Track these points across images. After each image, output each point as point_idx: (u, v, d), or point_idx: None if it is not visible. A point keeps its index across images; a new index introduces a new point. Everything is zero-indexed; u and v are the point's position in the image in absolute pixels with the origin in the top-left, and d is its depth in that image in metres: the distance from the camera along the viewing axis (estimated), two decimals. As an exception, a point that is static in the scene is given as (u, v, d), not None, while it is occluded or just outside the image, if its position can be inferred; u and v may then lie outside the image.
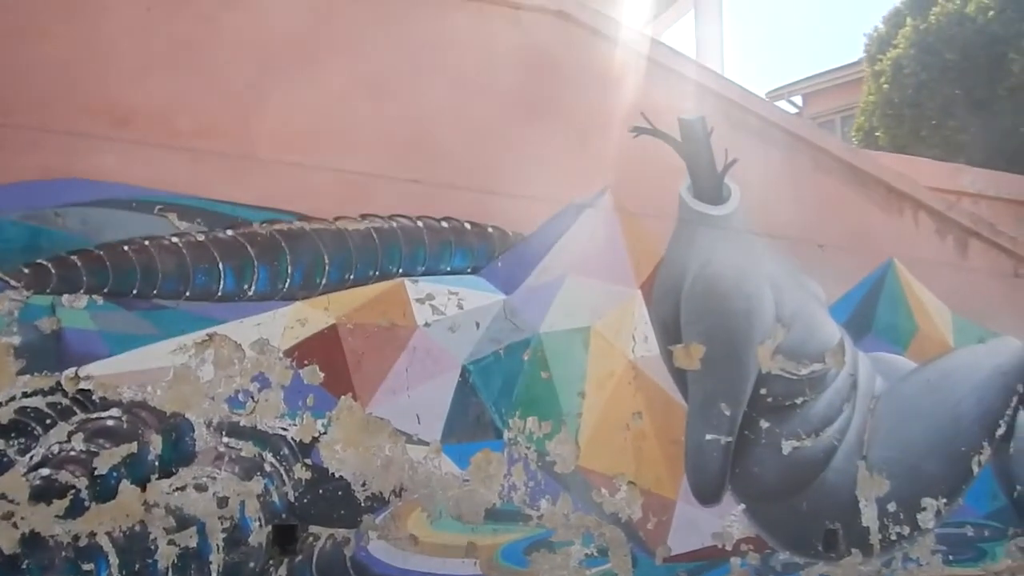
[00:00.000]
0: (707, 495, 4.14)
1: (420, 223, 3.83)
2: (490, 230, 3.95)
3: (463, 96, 4.00)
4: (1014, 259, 5.19)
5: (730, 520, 4.19)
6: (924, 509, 4.64)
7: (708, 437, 4.15)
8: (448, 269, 3.87)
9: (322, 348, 3.59)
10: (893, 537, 4.54)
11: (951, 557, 4.74)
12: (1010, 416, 4.96)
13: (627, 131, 4.36)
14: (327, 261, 3.63)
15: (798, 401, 4.37)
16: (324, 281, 3.62)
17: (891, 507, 4.54)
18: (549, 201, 4.14)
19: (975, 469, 4.80)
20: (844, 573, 4.42)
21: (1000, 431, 4.91)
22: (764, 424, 4.28)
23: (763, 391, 4.29)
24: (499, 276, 3.95)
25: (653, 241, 4.30)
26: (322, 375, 3.57)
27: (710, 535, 4.15)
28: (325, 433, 3.55)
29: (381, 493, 3.62)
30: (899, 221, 4.91)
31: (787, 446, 4.32)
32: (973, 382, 4.87)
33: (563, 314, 4.03)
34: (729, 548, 4.18)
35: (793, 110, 17.92)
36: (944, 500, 4.70)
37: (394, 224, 3.78)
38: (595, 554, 3.93)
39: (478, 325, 3.86)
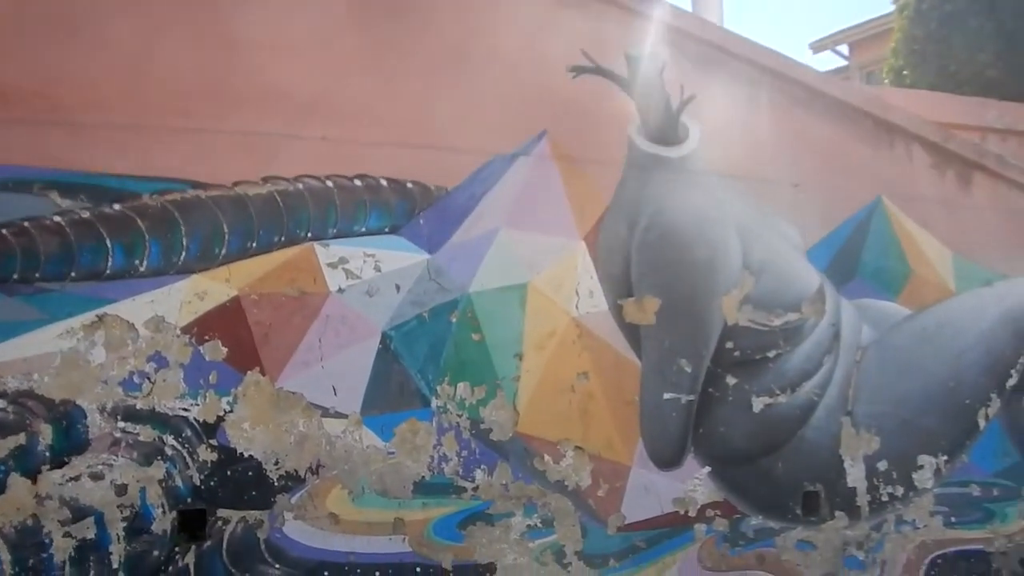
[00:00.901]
0: (666, 459, 3.66)
1: (330, 183, 3.44)
2: (409, 186, 3.52)
3: (374, 43, 3.54)
4: None
5: (693, 484, 3.70)
6: (921, 467, 4.03)
7: (666, 396, 3.65)
8: (363, 230, 3.47)
9: (224, 322, 3.26)
10: (884, 498, 3.96)
11: (953, 519, 4.11)
12: (1023, 364, 4.23)
13: (566, 71, 3.77)
14: (226, 230, 3.28)
15: (770, 354, 3.81)
16: (224, 251, 3.29)
17: (882, 466, 3.96)
18: (477, 151, 3.69)
19: (981, 423, 4.15)
20: (827, 538, 3.86)
21: (1012, 381, 4.23)
22: (731, 380, 3.75)
23: (729, 345, 3.76)
24: (421, 234, 3.52)
25: (598, 188, 3.80)
26: (225, 350, 3.23)
27: (671, 501, 3.66)
28: (231, 411, 3.21)
29: (296, 471, 3.27)
30: (889, 156, 4.26)
31: (758, 403, 3.77)
32: (979, 329, 4.20)
33: (495, 271, 3.58)
34: (693, 514, 3.70)
35: (840, 61, 16.86)
36: (945, 457, 4.07)
37: (300, 186, 3.40)
38: (539, 525, 3.50)
39: (398, 288, 3.45)
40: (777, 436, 3.82)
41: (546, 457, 3.56)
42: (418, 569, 3.37)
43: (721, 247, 3.85)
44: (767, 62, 4.11)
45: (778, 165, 4.09)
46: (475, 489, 3.47)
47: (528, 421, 3.58)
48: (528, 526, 3.52)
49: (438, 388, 3.48)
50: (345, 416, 3.37)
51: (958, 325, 4.17)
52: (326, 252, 3.44)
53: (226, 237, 3.30)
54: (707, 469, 3.75)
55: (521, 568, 3.46)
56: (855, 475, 3.92)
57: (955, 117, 5.08)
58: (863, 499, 3.94)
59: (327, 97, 3.51)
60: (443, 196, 3.60)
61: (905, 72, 9.61)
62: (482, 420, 3.51)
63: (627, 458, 3.65)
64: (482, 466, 3.49)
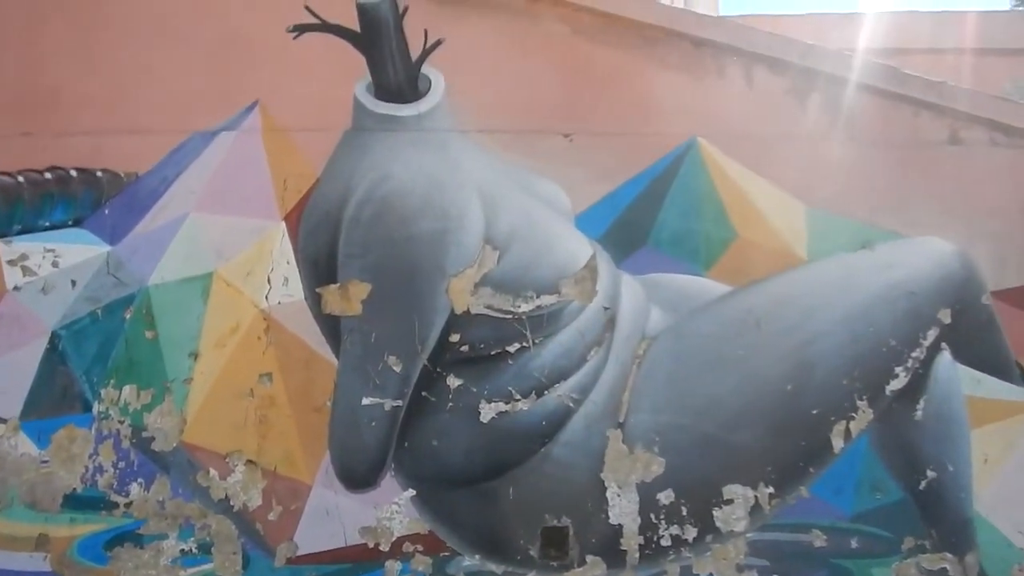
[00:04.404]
0: (358, 478, 3.69)
1: (21, 178, 3.94)
2: (99, 174, 3.98)
3: (77, 29, 4.03)
4: (948, 118, 3.73)
5: (391, 512, 3.58)
6: (728, 502, 3.45)
7: (366, 402, 3.66)
8: (47, 224, 3.88)
9: None
10: (665, 542, 3.55)
11: (777, 578, 3.45)
12: (919, 360, 3.56)
13: (285, 32, 3.97)
14: (-89, 229, 3.91)
15: (510, 349, 3.65)
16: (-94, 251, 3.90)
17: (665, 497, 3.52)
18: (175, 131, 4.01)
19: (837, 443, 3.50)
20: (571, 591, 3.45)
21: (895, 383, 3.55)
22: (454, 382, 3.66)
23: (455, 337, 3.68)
24: (106, 225, 3.87)
25: (310, 161, 3.98)
26: None
27: (357, 531, 3.50)
28: None
29: (-53, 478, 3.72)
30: (718, 86, 3.95)
31: (488, 411, 3.63)
32: (844, 309, 3.66)
33: (179, 261, 3.95)
34: (385, 548, 3.59)
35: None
36: (769, 489, 3.50)
37: (-8, 183, 3.94)
38: (194, 551, 3.62)
39: (74, 283, 3.86)
40: (510, 453, 3.66)
41: (211, 471, 3.65)
42: (55, 592, 3.60)
43: (455, 218, 3.78)
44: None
45: (552, 113, 3.89)
46: (128, 505, 3.65)
47: (197, 430, 3.78)
48: (182, 551, 3.63)
49: (102, 391, 3.75)
50: (4, 421, 3.69)
51: (806, 304, 3.64)
52: (8, 249, 3.97)
53: (-90, 237, 3.90)
54: (410, 492, 3.53)
55: (168, 599, 3.54)
56: (622, 508, 3.56)
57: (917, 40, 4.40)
58: (631, 541, 3.49)
59: (26, 89, 3.98)
60: (132, 182, 3.87)
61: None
62: (145, 427, 3.70)
63: (308, 475, 3.65)
64: (139, 479, 3.68)
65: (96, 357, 3.93)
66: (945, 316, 3.71)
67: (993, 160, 3.88)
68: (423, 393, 3.78)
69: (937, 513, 3.65)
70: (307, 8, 4.16)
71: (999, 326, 3.71)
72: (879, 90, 3.98)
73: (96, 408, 3.89)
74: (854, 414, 3.65)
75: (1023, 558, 3.61)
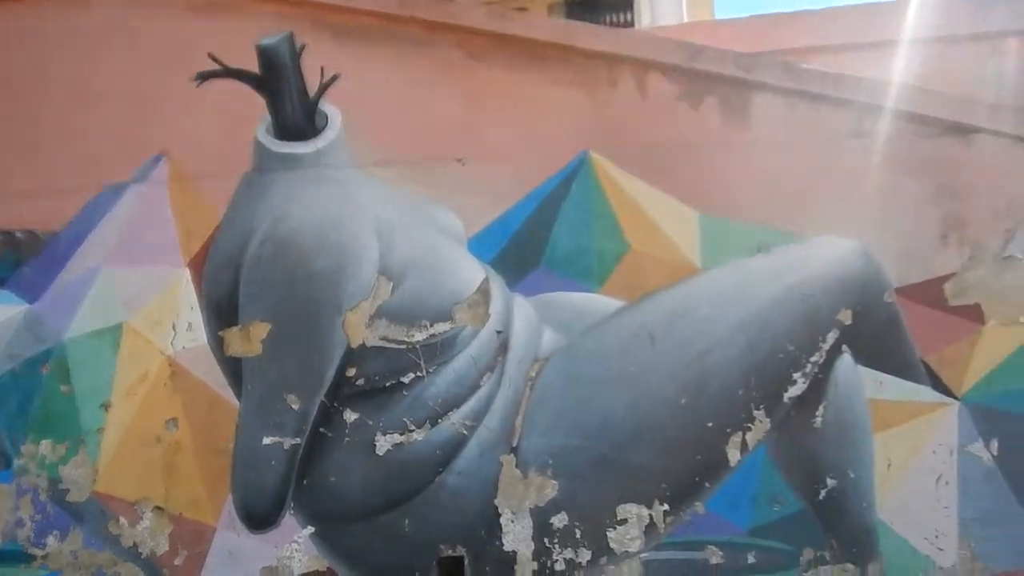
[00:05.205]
0: (258, 518, 3.83)
1: (-56, 245, 4.22)
2: (18, 235, 4.17)
3: None
4: (851, 111, 3.71)
5: (291, 550, 3.68)
6: (622, 522, 3.43)
7: (266, 441, 3.78)
8: (-28, 288, 4.16)
9: None
10: (559, 566, 3.52)
11: (674, 598, 3.42)
12: (817, 364, 3.49)
13: (189, 82, 4.19)
14: None
15: (405, 379, 3.75)
16: None
17: (559, 521, 3.52)
18: (89, 188, 4.21)
19: (733, 456, 3.47)
20: (468, 620, 3.49)
21: (793, 390, 3.51)
22: (350, 416, 3.77)
23: (352, 372, 3.79)
24: (25, 284, 4.10)
25: (213, 207, 4.14)
26: None
27: (258, 571, 3.61)
28: None
29: None
30: (611, 98, 3.97)
31: (384, 443, 3.69)
32: (739, 317, 3.63)
33: (92, 314, 4.13)
34: (286, 587, 3.63)
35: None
36: (664, 507, 3.46)
37: (-83, 252, 4.22)
38: (106, 600, 3.75)
39: None
40: (407, 485, 3.75)
41: (121, 520, 3.80)
42: (-29, 651, 3.80)
43: (352, 252, 3.90)
44: (433, 16, 4.03)
45: (449, 139, 4.02)
46: (44, 557, 3.80)
47: (108, 479, 3.95)
48: (95, 599, 3.76)
49: (22, 447, 3.93)
50: (-68, 481, 3.98)
51: (700, 316, 3.63)
52: (-66, 315, 4.17)
53: None
54: (309, 530, 3.62)
55: (79, 650, 3.70)
56: (516, 534, 3.57)
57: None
58: (526, 567, 3.53)
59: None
60: (50, 240, 4.10)
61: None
62: (61, 480, 3.87)
63: (213, 518, 3.76)
64: (55, 531, 3.84)
65: (16, 413, 4.16)
66: (845, 317, 3.64)
67: (900, 151, 3.80)
68: (320, 429, 3.88)
69: (838, 522, 3.56)
70: (210, 55, 4.37)
71: (903, 324, 3.61)
72: (776, 87, 3.94)
73: (16, 464, 4.10)
74: (750, 424, 3.59)
75: (929, 566, 3.50)
